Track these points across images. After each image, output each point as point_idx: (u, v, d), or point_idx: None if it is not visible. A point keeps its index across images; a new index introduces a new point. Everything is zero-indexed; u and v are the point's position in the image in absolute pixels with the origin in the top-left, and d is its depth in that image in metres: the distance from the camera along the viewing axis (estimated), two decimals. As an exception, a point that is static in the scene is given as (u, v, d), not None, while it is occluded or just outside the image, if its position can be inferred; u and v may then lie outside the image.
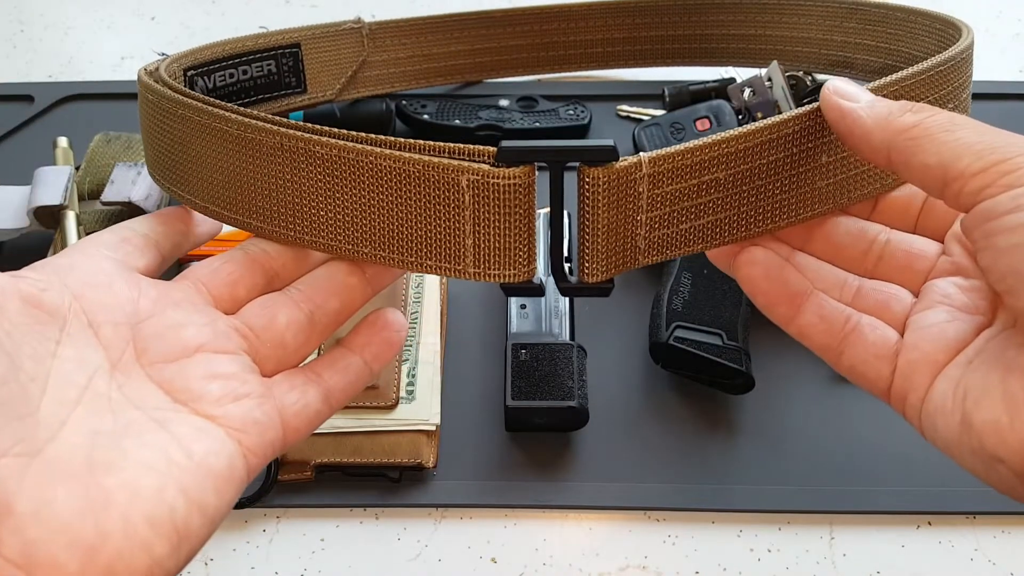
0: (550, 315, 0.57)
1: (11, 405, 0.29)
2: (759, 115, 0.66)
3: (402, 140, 0.36)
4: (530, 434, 0.56)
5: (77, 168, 0.66)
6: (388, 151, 0.36)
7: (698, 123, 0.66)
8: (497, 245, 0.36)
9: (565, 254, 0.39)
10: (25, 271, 0.34)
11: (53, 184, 0.62)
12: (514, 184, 0.35)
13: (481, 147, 0.36)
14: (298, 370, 0.38)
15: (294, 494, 0.54)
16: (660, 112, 0.73)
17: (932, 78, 0.38)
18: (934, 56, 0.39)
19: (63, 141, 0.68)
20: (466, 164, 0.35)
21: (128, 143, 0.69)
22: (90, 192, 0.65)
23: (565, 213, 0.38)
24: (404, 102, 0.73)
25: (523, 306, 0.58)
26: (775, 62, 0.65)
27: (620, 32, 0.74)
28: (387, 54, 0.71)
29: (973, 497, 0.53)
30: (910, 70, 0.38)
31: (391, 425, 0.54)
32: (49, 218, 0.62)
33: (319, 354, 0.40)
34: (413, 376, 0.57)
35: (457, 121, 0.71)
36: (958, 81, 0.40)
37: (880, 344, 0.36)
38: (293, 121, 0.37)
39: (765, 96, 0.65)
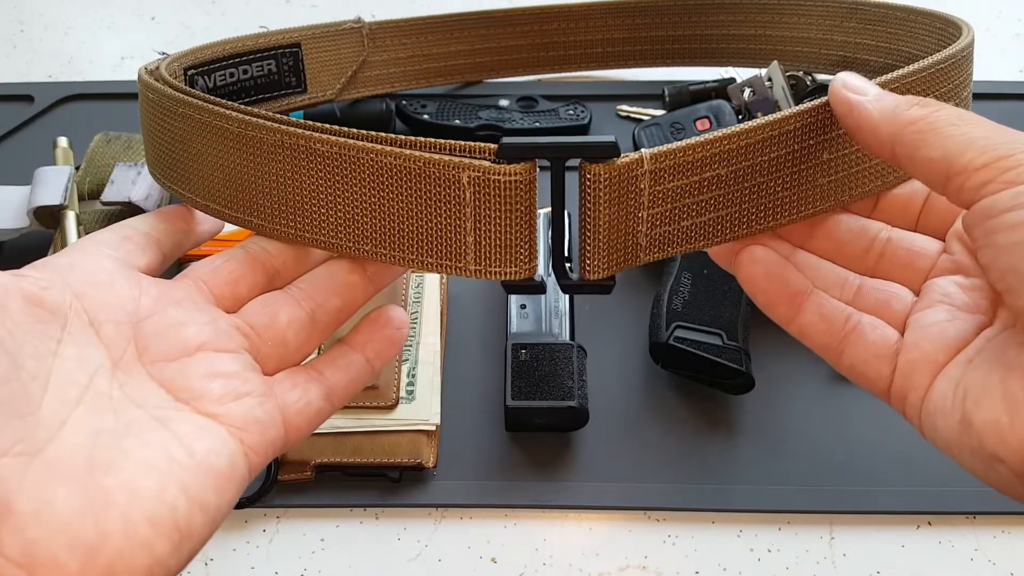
0: (550, 315, 0.57)
1: (12, 404, 0.29)
2: (759, 115, 0.65)
3: (403, 137, 0.36)
4: (530, 434, 0.56)
5: (77, 168, 0.66)
6: (389, 148, 0.36)
7: (698, 123, 0.66)
8: (498, 242, 0.36)
9: (565, 252, 0.39)
10: (26, 270, 0.34)
11: (53, 184, 0.62)
12: (515, 181, 0.35)
13: (482, 144, 0.36)
14: (299, 368, 0.38)
15: (294, 494, 0.54)
16: (660, 112, 0.73)
17: (933, 76, 0.38)
18: (934, 54, 0.39)
19: (63, 141, 0.68)
20: (467, 161, 0.35)
21: (128, 143, 0.68)
22: (90, 192, 0.65)
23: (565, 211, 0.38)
24: (404, 102, 0.73)
25: (523, 306, 0.58)
26: (775, 62, 0.65)
27: (620, 32, 0.74)
28: (387, 54, 0.71)
29: (973, 497, 0.53)
30: (911, 68, 0.38)
31: (391, 425, 0.54)
32: (49, 218, 0.62)
33: (319, 353, 0.40)
34: (413, 376, 0.57)
35: (457, 121, 0.71)
36: (959, 79, 0.40)
37: (880, 343, 0.36)
38: (294, 119, 0.37)
39: (765, 96, 0.65)
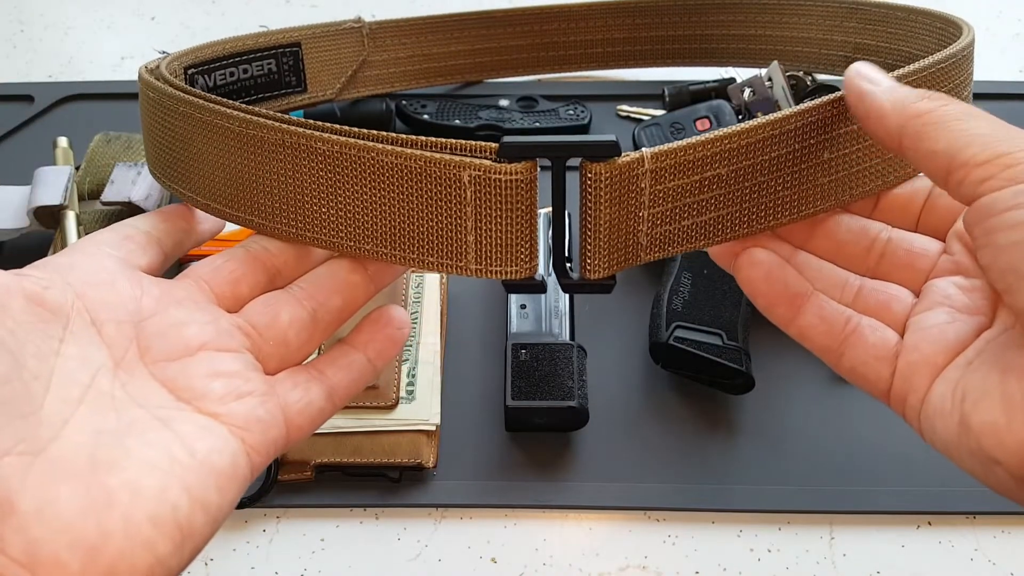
0: (550, 315, 0.57)
1: (14, 403, 0.29)
2: (759, 115, 0.65)
3: (404, 136, 0.36)
4: (530, 434, 0.56)
5: (77, 168, 0.66)
6: (390, 147, 0.36)
7: (698, 123, 0.66)
8: (499, 241, 0.36)
9: (566, 251, 0.39)
10: (28, 269, 0.34)
11: (53, 184, 0.62)
12: (516, 180, 0.35)
13: (483, 143, 0.36)
14: (301, 368, 0.38)
15: (294, 494, 0.54)
16: (660, 112, 0.73)
17: (933, 75, 0.38)
18: (935, 54, 0.39)
19: (63, 141, 0.68)
20: (468, 160, 0.35)
21: (128, 143, 0.68)
22: (90, 192, 0.65)
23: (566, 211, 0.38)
24: (404, 102, 0.73)
25: (523, 306, 0.58)
26: (775, 62, 0.65)
27: (620, 32, 0.74)
28: (387, 54, 0.71)
29: (973, 497, 0.53)
30: (911, 67, 0.38)
31: (391, 425, 0.54)
32: (49, 218, 0.62)
33: (319, 353, 0.40)
34: (413, 376, 0.57)
35: (457, 121, 0.71)
36: (959, 79, 0.40)
37: (880, 346, 0.36)
38: (295, 118, 0.37)
39: (765, 96, 0.65)
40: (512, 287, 0.38)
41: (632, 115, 0.75)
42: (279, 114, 0.37)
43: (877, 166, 0.39)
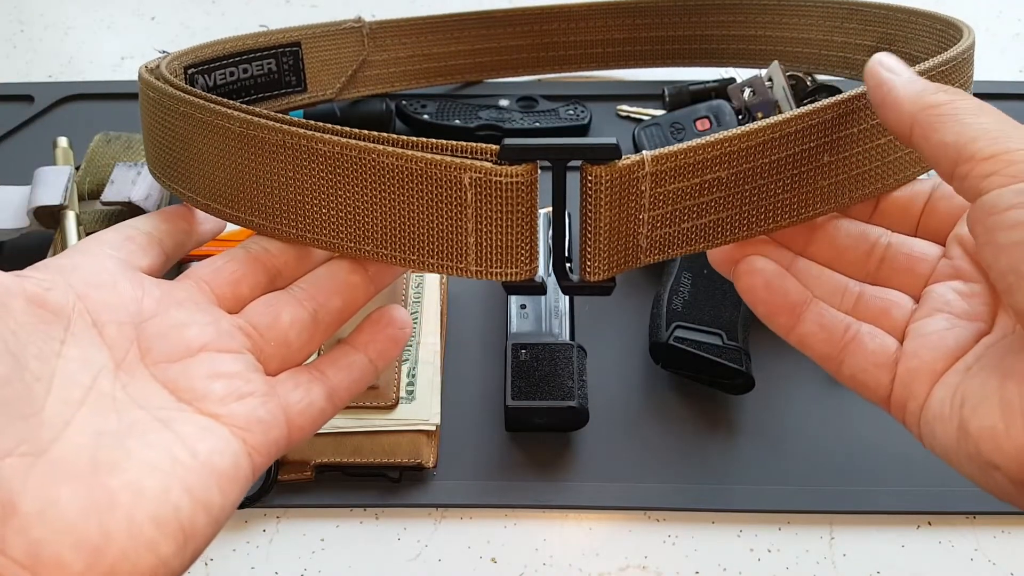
0: (550, 315, 0.57)
1: (16, 405, 0.29)
2: (759, 115, 0.66)
3: (404, 138, 0.36)
4: (530, 434, 0.56)
5: (77, 168, 0.66)
6: (391, 149, 0.36)
7: (698, 123, 0.66)
8: (499, 243, 0.36)
9: (566, 252, 0.39)
10: (29, 271, 0.34)
11: (53, 184, 0.62)
12: (517, 182, 0.35)
13: (484, 145, 0.36)
14: (302, 368, 0.38)
15: (294, 494, 0.54)
16: (660, 112, 0.73)
17: (934, 78, 0.38)
18: (935, 56, 0.39)
19: (63, 141, 0.68)
20: (469, 162, 0.35)
21: (128, 143, 0.68)
22: (90, 192, 0.65)
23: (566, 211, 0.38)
24: (404, 102, 0.73)
25: (523, 306, 0.58)
26: (776, 62, 0.65)
27: (620, 33, 0.74)
28: (387, 53, 0.71)
29: (973, 497, 0.53)
30: (912, 69, 0.38)
31: (391, 425, 0.54)
32: (49, 218, 0.62)
33: (319, 354, 0.40)
34: (413, 376, 0.57)
35: (457, 121, 0.71)
36: (959, 81, 0.40)
37: (880, 353, 0.36)
38: (296, 118, 0.37)
39: (765, 96, 0.65)
40: (512, 289, 0.38)
41: (632, 115, 0.75)
42: (279, 115, 0.37)
43: (877, 169, 0.39)
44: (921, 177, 0.40)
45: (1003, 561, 0.52)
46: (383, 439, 0.54)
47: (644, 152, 0.35)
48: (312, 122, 0.37)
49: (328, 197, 0.37)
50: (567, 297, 0.58)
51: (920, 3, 0.58)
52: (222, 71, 0.60)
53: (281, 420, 0.35)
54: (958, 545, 0.52)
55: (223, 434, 0.33)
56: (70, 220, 0.61)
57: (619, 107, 0.75)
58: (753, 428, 0.57)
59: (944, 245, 0.39)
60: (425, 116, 0.72)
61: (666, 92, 0.74)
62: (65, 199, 0.62)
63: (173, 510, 0.30)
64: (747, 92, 0.66)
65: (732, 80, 0.72)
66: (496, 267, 0.37)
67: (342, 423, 0.54)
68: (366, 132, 0.37)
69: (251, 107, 0.38)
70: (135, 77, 0.45)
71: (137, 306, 0.35)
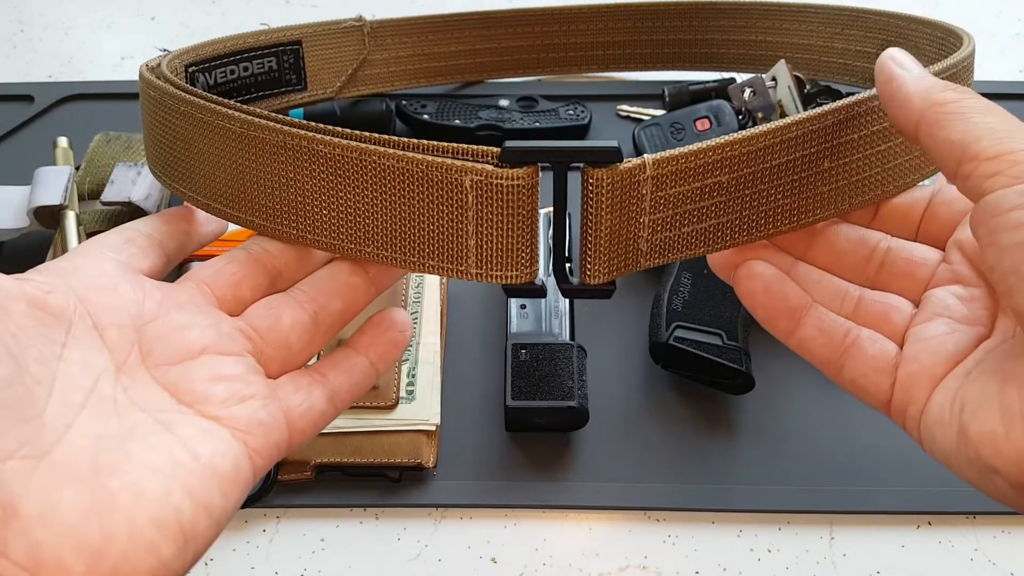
0: (550, 315, 0.57)
1: (17, 407, 0.29)
2: (759, 115, 0.66)
3: (405, 140, 0.36)
4: (530, 434, 0.56)
5: (77, 168, 0.66)
6: (392, 151, 0.36)
7: (698, 123, 0.66)
8: (499, 246, 0.36)
9: (566, 255, 0.39)
10: (30, 273, 0.34)
11: (53, 184, 0.62)
12: (517, 185, 0.35)
13: (485, 147, 0.36)
14: (303, 371, 0.38)
15: (294, 494, 0.54)
16: (660, 112, 0.73)
17: None
18: (935, 64, 0.39)
19: (63, 141, 0.68)
20: (470, 164, 0.35)
21: (128, 143, 0.68)
22: (90, 192, 0.65)
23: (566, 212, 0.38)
24: (404, 102, 0.73)
25: (523, 306, 0.58)
26: (782, 61, 0.65)
27: (621, 35, 0.74)
28: (388, 53, 0.71)
29: (973, 497, 0.53)
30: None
31: (391, 425, 0.54)
32: (49, 218, 0.62)
33: (319, 358, 0.40)
34: (413, 376, 0.57)
35: (457, 121, 0.71)
36: (959, 88, 0.40)
37: (879, 357, 0.36)
38: (297, 120, 0.37)
39: (766, 96, 0.65)
40: (513, 291, 0.38)
41: (632, 115, 0.75)
42: (280, 116, 0.37)
43: (877, 176, 0.39)
44: (920, 183, 0.40)
45: (1003, 561, 0.52)
46: (383, 439, 0.54)
47: (646, 155, 0.35)
48: (313, 123, 0.37)
49: (329, 198, 0.37)
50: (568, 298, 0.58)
51: (920, 3, 0.58)
52: (223, 69, 0.60)
53: (282, 422, 0.35)
54: (958, 545, 0.52)
55: (224, 436, 0.33)
56: (70, 220, 0.61)
57: (619, 107, 0.75)
58: (753, 428, 0.57)
59: (944, 250, 0.39)
60: (425, 116, 0.72)
61: (666, 92, 0.74)
62: (65, 199, 0.62)
63: (174, 512, 0.30)
64: (747, 92, 0.66)
65: (732, 80, 0.72)
66: (496, 270, 0.37)
67: (342, 423, 0.54)
68: (367, 134, 0.37)
69: (252, 107, 0.38)
70: (135, 77, 0.45)
71: (138, 309, 0.35)
